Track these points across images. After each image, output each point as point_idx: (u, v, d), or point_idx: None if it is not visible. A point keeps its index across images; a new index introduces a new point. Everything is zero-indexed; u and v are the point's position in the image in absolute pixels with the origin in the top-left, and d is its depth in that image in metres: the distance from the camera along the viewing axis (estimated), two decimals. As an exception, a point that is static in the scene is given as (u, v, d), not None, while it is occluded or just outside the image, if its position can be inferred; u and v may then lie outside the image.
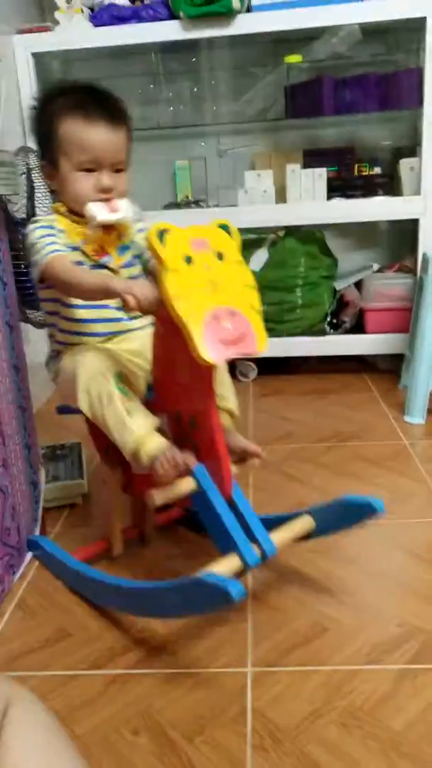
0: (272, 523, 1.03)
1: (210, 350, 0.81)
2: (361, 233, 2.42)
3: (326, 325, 2.23)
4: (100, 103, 1.05)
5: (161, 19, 2.01)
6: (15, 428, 1.19)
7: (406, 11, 1.91)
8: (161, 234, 0.82)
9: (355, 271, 2.31)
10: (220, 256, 0.86)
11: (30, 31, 2.05)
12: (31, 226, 1.08)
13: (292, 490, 1.47)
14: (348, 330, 2.25)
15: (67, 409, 1.12)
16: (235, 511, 0.97)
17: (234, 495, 0.98)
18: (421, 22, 1.91)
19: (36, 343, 2.16)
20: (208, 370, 0.88)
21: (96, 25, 2.04)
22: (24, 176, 1.33)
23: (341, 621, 1.02)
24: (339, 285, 2.26)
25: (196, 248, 0.84)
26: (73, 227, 1.09)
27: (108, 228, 1.08)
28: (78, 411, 1.07)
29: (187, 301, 0.82)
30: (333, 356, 2.26)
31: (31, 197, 1.36)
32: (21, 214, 1.34)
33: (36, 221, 1.09)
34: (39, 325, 1.41)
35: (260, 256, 2.25)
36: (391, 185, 2.16)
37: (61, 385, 1.12)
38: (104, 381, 1.00)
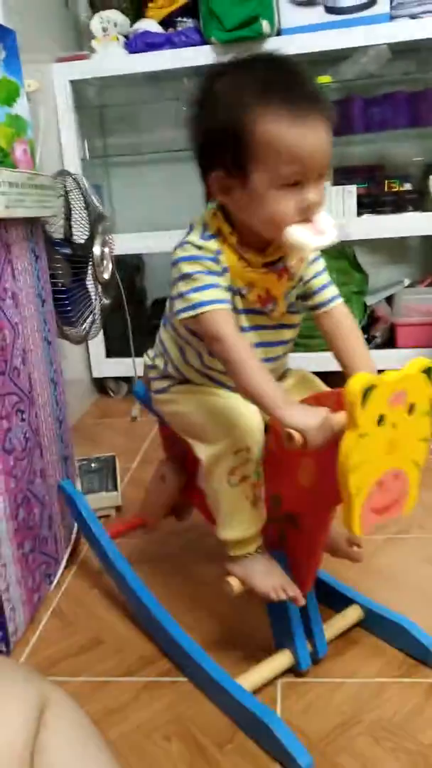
0: (323, 587, 1.04)
1: (363, 524, 0.73)
2: (392, 249, 2.42)
3: (357, 340, 2.24)
4: (307, 90, 0.77)
5: (193, 45, 2.07)
6: (52, 440, 1.23)
7: (435, 30, 1.94)
8: (366, 392, 0.67)
9: (386, 286, 2.31)
10: (411, 408, 0.73)
11: (69, 59, 2.14)
12: (188, 250, 0.84)
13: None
14: (379, 345, 2.25)
15: (145, 399, 1.07)
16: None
17: None
18: (451, 40, 1.93)
19: (72, 358, 2.23)
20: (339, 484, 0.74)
21: (131, 52, 2.12)
22: (61, 199, 1.39)
23: (370, 635, 1.02)
24: (370, 300, 2.27)
25: (392, 404, 0.71)
26: (241, 268, 0.85)
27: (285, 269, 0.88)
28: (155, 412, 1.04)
29: (362, 472, 0.71)
30: (364, 371, 2.26)
31: (68, 218, 1.41)
32: (58, 235, 1.39)
33: (195, 245, 0.84)
34: (75, 341, 1.46)
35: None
36: (421, 201, 2.17)
37: (181, 411, 0.96)
38: (248, 461, 0.86)
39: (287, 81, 0.77)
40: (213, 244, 0.84)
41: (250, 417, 0.87)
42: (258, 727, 0.84)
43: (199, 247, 0.83)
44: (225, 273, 0.84)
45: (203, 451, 0.90)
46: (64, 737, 0.58)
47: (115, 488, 1.50)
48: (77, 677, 0.98)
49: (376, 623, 1.02)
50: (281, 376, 1.01)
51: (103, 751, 0.60)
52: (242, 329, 0.88)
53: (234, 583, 0.91)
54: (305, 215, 0.80)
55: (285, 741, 0.80)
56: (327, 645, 0.96)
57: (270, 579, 0.88)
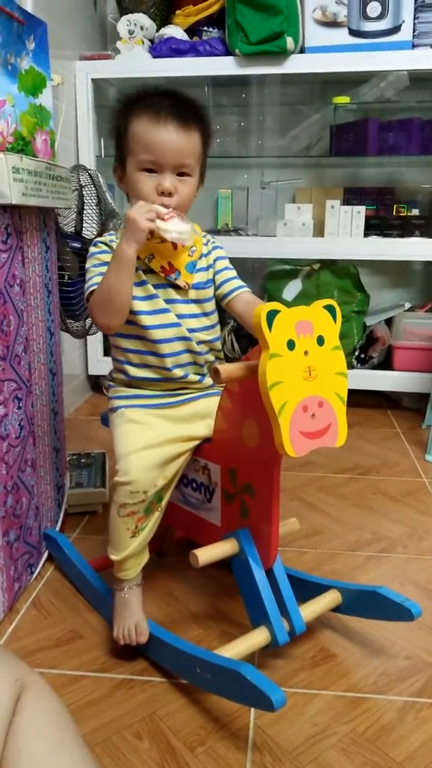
0: (297, 583, 1.04)
1: (293, 444, 0.81)
2: (395, 272, 2.45)
3: (354, 359, 2.25)
4: (174, 105, 1.01)
5: (217, 55, 2.10)
6: (46, 431, 1.23)
7: (454, 61, 1.97)
8: (271, 315, 0.79)
9: (387, 308, 2.33)
10: (320, 340, 0.84)
11: (92, 58, 2.16)
12: (91, 249, 1.07)
13: (308, 517, 1.48)
14: (376, 365, 2.27)
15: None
16: (271, 579, 0.97)
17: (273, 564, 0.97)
18: (469, 72, 1.96)
19: (70, 354, 2.23)
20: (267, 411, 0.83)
21: (155, 56, 2.14)
22: (76, 193, 1.40)
23: (349, 649, 1.03)
24: (370, 321, 2.29)
25: (300, 332, 0.82)
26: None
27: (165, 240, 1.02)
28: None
29: (282, 391, 0.80)
30: (359, 390, 2.27)
31: (80, 213, 1.42)
32: (70, 228, 1.40)
33: (96, 244, 1.06)
34: (78, 335, 1.46)
35: (294, 287, 2.30)
36: (427, 227, 2.19)
37: (114, 432, 1.06)
38: (138, 502, 0.97)
39: (164, 101, 1.01)
40: (110, 237, 1.07)
41: (149, 448, 0.98)
42: (230, 678, 0.84)
43: (95, 244, 1.07)
44: None
45: (112, 476, 0.98)
46: (39, 721, 0.58)
47: (104, 485, 1.50)
48: (52, 669, 0.98)
49: (352, 601, 1.04)
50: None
51: (77, 738, 0.60)
52: (160, 305, 1.04)
53: (199, 554, 0.93)
54: (165, 200, 1.00)
55: (256, 682, 0.81)
56: (304, 624, 0.97)
57: (125, 621, 0.99)
